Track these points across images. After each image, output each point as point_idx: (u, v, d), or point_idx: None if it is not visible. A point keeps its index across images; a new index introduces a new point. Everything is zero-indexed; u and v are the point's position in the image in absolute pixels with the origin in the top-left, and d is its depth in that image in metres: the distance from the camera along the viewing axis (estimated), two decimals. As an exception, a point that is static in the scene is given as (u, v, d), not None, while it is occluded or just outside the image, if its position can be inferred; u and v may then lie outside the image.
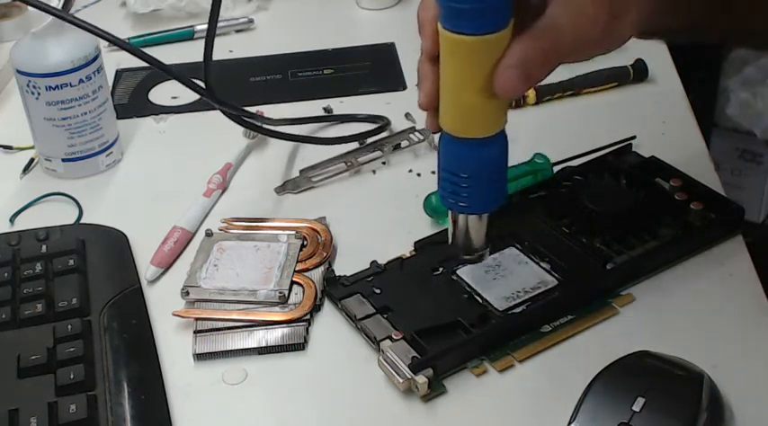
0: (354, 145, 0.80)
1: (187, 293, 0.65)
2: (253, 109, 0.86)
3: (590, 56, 0.52)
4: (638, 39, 0.55)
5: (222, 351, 0.62)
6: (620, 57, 0.88)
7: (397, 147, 0.80)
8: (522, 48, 0.48)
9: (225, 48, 0.99)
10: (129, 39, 0.99)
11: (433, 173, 0.78)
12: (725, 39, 0.66)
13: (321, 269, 0.67)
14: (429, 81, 0.52)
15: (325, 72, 0.94)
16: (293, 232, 0.70)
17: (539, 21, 0.49)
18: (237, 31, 1.03)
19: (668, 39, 0.58)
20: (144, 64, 0.69)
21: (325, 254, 0.68)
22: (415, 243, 0.68)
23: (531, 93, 0.85)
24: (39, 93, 0.76)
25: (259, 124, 0.76)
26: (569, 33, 0.49)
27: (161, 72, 0.70)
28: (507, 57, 0.48)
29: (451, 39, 0.49)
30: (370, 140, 0.81)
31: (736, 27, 0.58)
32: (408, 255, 0.68)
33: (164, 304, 0.65)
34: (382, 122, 0.82)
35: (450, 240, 0.57)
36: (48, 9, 0.68)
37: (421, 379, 0.57)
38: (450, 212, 0.56)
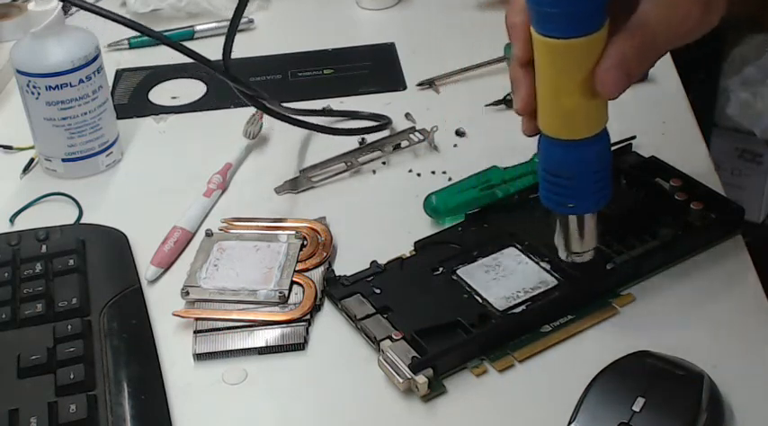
0: (354, 145, 0.80)
1: (187, 293, 0.65)
2: (252, 109, 0.87)
3: (682, 44, 0.53)
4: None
5: (222, 351, 0.62)
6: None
7: (397, 147, 0.80)
8: (619, 47, 0.49)
9: (225, 48, 0.99)
10: (129, 39, 0.99)
11: (433, 172, 0.78)
12: None
13: (321, 269, 0.67)
14: (524, 86, 0.52)
15: (325, 72, 0.94)
16: (293, 232, 0.70)
17: (632, 19, 0.50)
18: (237, 31, 1.02)
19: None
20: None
21: (325, 254, 0.68)
22: (415, 243, 0.68)
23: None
24: (39, 93, 0.76)
25: (274, 108, 0.76)
26: (664, 28, 0.50)
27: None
28: (606, 58, 0.49)
29: (547, 44, 0.49)
30: (370, 140, 0.81)
31: None
32: (408, 255, 0.68)
33: (164, 304, 0.65)
34: (385, 121, 0.82)
35: (558, 244, 0.57)
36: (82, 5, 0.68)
37: (421, 379, 0.57)
38: (558, 216, 0.56)
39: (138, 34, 1.00)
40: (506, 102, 0.85)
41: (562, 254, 0.59)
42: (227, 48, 0.69)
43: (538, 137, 0.55)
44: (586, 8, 0.48)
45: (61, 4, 0.74)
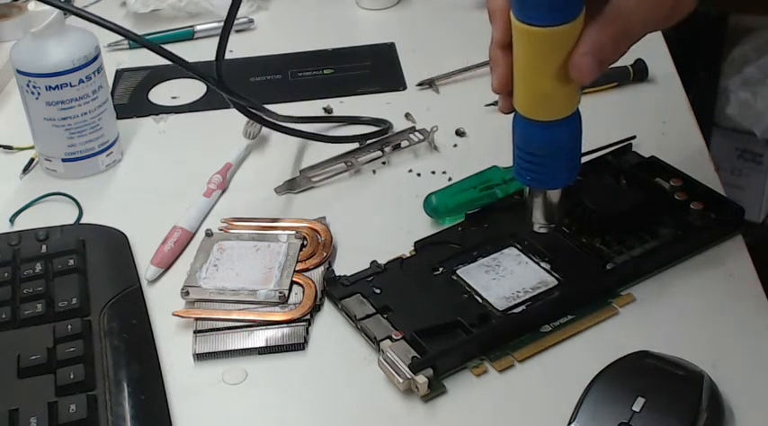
0: (354, 145, 0.80)
1: (187, 293, 0.65)
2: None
3: (656, 30, 0.54)
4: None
5: (222, 351, 0.62)
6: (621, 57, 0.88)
7: (397, 147, 0.80)
8: (594, 34, 0.50)
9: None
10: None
11: (433, 172, 0.78)
12: None
13: (321, 269, 0.67)
14: (501, 66, 0.54)
15: (325, 72, 0.94)
16: (293, 232, 0.70)
17: (607, 7, 0.51)
18: (237, 31, 1.03)
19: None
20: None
21: (325, 254, 0.68)
22: (415, 243, 0.68)
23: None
24: (39, 93, 0.76)
25: (269, 118, 0.76)
26: (638, 16, 0.51)
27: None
28: (581, 45, 0.50)
29: (527, 30, 0.50)
30: (370, 140, 0.81)
31: None
32: (408, 255, 0.68)
33: (164, 304, 0.65)
34: (385, 125, 0.82)
35: (530, 215, 0.59)
36: (60, 5, 0.68)
37: (421, 379, 0.57)
38: (528, 188, 0.59)
39: (138, 34, 1.01)
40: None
41: (534, 227, 0.60)
42: (220, 53, 0.69)
43: (513, 115, 0.56)
44: None
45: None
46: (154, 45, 0.69)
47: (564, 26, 0.50)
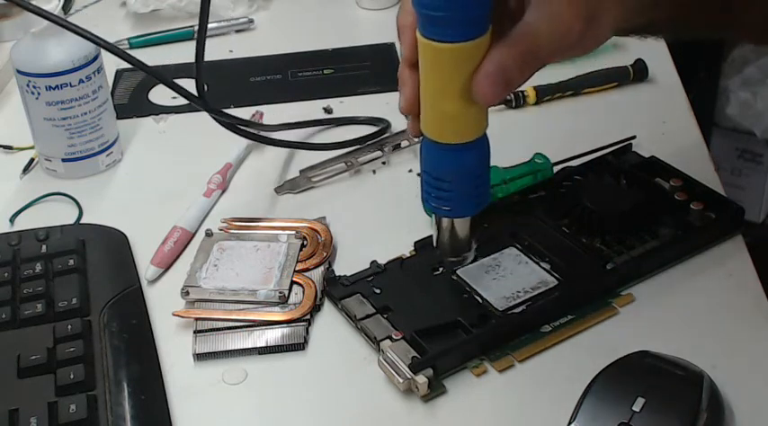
0: (354, 145, 0.80)
1: (187, 293, 0.65)
2: (252, 109, 0.87)
3: (568, 58, 0.52)
4: (617, 36, 0.55)
5: (222, 351, 0.62)
6: (621, 57, 0.88)
7: (396, 147, 0.80)
8: (499, 54, 0.48)
9: (225, 48, 0.99)
10: (129, 39, 0.99)
11: (433, 172, 0.78)
12: (714, 32, 0.66)
13: (321, 269, 0.67)
14: (409, 86, 0.52)
15: (325, 72, 0.94)
16: (293, 232, 0.70)
17: (516, 27, 0.49)
18: (237, 31, 1.03)
19: (648, 35, 0.59)
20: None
21: (325, 254, 0.68)
22: (415, 243, 0.68)
23: (532, 93, 0.85)
24: (39, 93, 0.76)
25: (254, 132, 0.76)
26: (546, 39, 0.49)
27: (161, 72, 0.71)
28: (485, 64, 0.48)
29: (429, 46, 0.48)
30: (367, 142, 0.80)
31: (728, 20, 0.58)
32: (408, 255, 0.68)
33: (164, 304, 0.65)
34: (383, 125, 0.82)
35: (434, 243, 0.57)
36: (43, 14, 0.68)
37: (421, 379, 0.57)
38: (433, 215, 0.56)
39: (138, 34, 1.01)
40: (506, 102, 0.85)
41: (441, 255, 0.58)
42: (199, 70, 0.69)
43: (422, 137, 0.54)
44: (469, 14, 0.47)
45: (61, 3, 0.74)
46: (129, 55, 0.69)
47: (468, 43, 0.48)
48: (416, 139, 0.80)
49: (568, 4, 0.49)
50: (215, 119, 0.73)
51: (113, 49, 0.69)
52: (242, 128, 0.75)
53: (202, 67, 0.69)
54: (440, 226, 0.56)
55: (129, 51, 0.98)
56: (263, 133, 0.78)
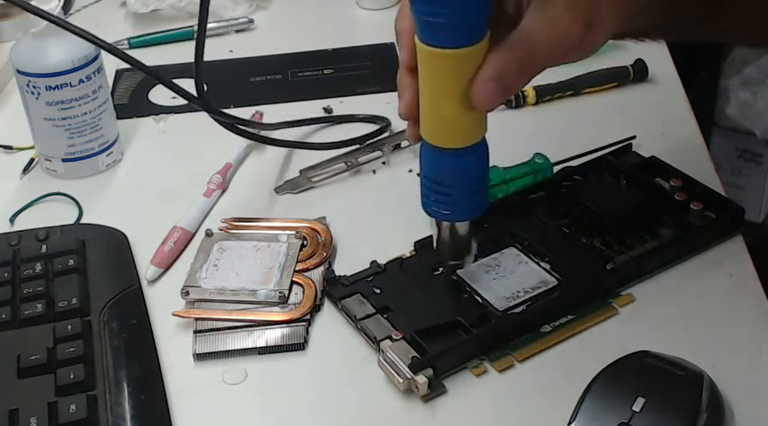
0: (354, 145, 0.80)
1: (187, 293, 0.65)
2: (252, 109, 0.87)
3: (566, 62, 0.52)
4: (613, 40, 0.55)
5: (222, 351, 0.62)
6: (621, 57, 0.88)
7: (396, 147, 0.80)
8: (498, 60, 0.48)
9: (225, 48, 0.99)
10: (129, 39, 0.99)
11: (433, 172, 0.78)
12: (711, 36, 0.67)
13: (321, 269, 0.67)
14: (408, 91, 0.52)
15: (324, 72, 0.94)
16: (293, 232, 0.70)
17: (514, 32, 0.49)
18: (237, 31, 1.03)
19: (645, 38, 0.59)
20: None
21: (325, 254, 0.68)
22: (415, 243, 0.68)
23: (531, 93, 0.85)
24: (39, 93, 0.76)
25: (254, 131, 0.76)
26: (544, 44, 0.49)
27: (161, 72, 0.71)
28: (484, 70, 0.48)
29: (428, 52, 0.48)
30: (366, 142, 0.80)
31: (726, 25, 0.58)
32: (408, 255, 0.68)
33: (164, 304, 0.65)
34: (383, 123, 0.82)
35: (434, 246, 0.58)
36: (43, 14, 0.68)
37: (421, 379, 0.57)
38: (433, 219, 0.56)
39: (138, 34, 1.01)
40: (506, 102, 0.85)
41: (441, 258, 0.59)
42: (198, 71, 0.69)
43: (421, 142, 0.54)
44: (467, 19, 0.47)
45: (61, 3, 0.74)
46: (128, 56, 0.69)
47: (466, 49, 0.48)
48: (416, 140, 0.80)
49: (567, 9, 0.49)
50: (215, 119, 0.73)
51: (113, 50, 0.69)
52: (242, 127, 0.75)
53: (202, 67, 0.69)
54: (440, 229, 0.57)
55: (128, 51, 0.98)
56: (262, 133, 0.78)
